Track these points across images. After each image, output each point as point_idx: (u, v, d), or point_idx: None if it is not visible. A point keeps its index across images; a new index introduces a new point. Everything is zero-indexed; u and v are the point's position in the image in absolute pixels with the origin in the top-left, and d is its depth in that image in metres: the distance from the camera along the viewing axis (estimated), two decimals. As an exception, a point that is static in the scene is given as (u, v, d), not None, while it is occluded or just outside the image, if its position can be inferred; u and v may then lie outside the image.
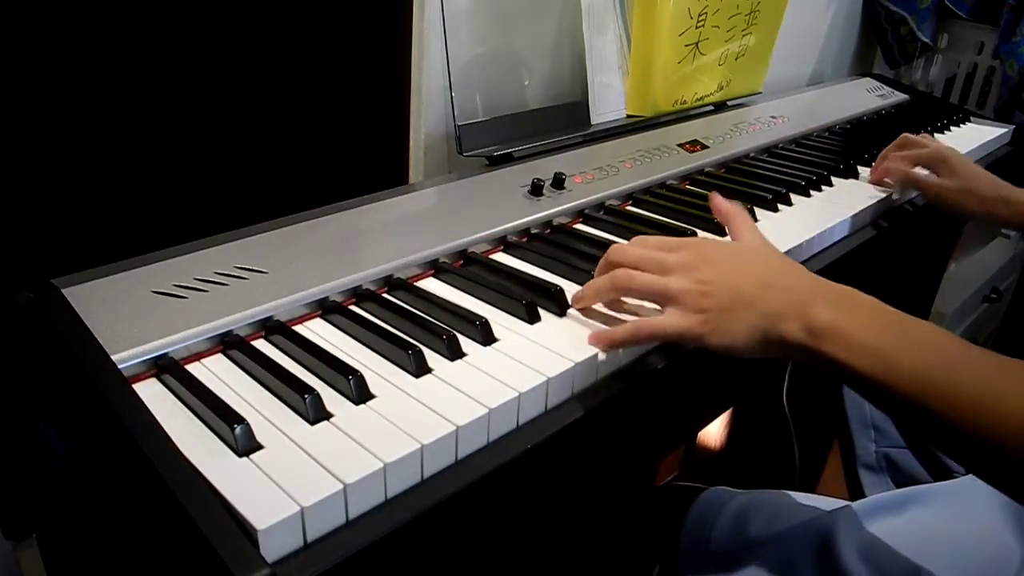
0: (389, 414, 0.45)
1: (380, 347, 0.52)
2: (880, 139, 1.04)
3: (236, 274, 0.57)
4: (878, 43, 1.71)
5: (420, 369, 0.50)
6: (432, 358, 0.51)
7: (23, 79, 0.64)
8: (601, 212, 0.79)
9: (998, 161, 1.24)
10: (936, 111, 1.36)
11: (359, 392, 0.47)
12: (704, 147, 0.98)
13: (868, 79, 1.49)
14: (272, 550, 0.37)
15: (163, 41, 0.71)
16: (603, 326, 0.56)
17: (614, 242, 0.71)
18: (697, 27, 1.00)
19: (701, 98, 1.09)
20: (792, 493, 0.66)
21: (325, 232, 0.65)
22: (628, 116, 1.00)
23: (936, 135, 1.24)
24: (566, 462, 0.53)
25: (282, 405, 0.46)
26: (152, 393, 0.47)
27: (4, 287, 0.56)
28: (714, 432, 1.16)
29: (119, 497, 0.46)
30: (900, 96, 1.44)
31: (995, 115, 1.54)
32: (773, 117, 1.16)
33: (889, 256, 0.97)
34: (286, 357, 0.52)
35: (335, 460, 0.41)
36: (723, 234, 0.75)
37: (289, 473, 0.40)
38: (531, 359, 0.52)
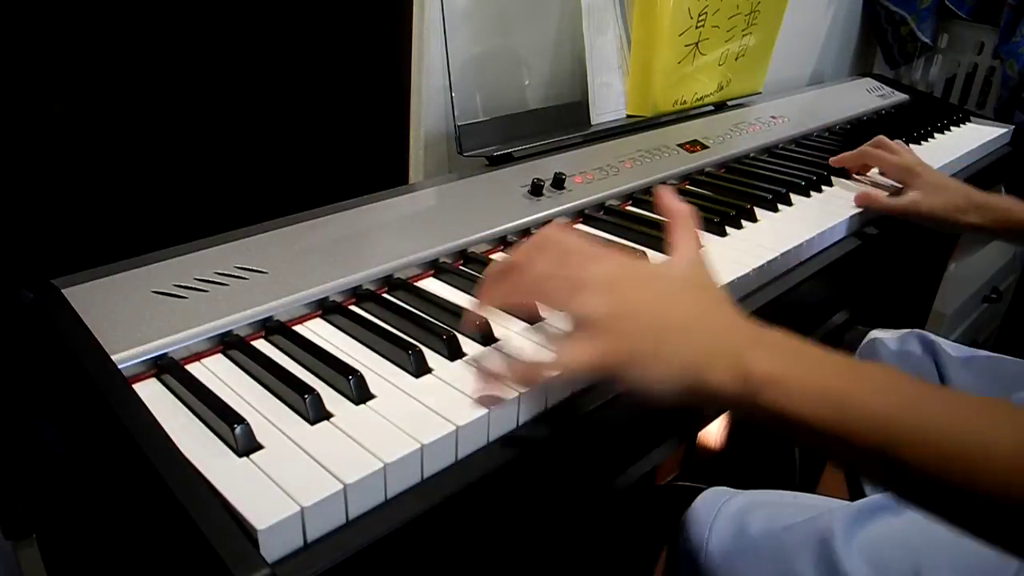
0: (389, 414, 0.45)
1: (380, 347, 0.52)
2: (880, 139, 1.04)
3: (236, 274, 0.57)
4: (878, 43, 1.71)
5: (420, 369, 0.50)
6: (432, 358, 0.51)
7: (23, 79, 0.64)
8: (601, 212, 0.79)
9: (998, 161, 1.24)
10: (936, 111, 1.36)
11: (359, 392, 0.47)
12: (704, 147, 0.98)
13: (868, 79, 1.49)
14: (272, 550, 0.37)
15: (163, 41, 0.71)
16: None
17: (614, 242, 0.72)
18: (697, 27, 1.00)
19: (701, 98, 1.09)
20: (792, 493, 0.66)
21: (325, 232, 0.65)
22: (628, 116, 1.00)
23: (936, 135, 1.24)
24: (566, 462, 0.53)
25: (282, 405, 0.46)
26: (152, 393, 0.47)
27: (4, 287, 0.56)
28: (714, 432, 1.16)
29: (119, 497, 0.46)
30: (900, 96, 1.44)
31: (995, 115, 1.54)
32: (773, 117, 1.16)
33: (889, 256, 0.97)
34: (286, 357, 0.52)
35: (335, 460, 0.41)
36: (722, 231, 0.75)
37: (289, 473, 0.40)
38: (531, 358, 0.52)
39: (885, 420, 0.38)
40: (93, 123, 0.69)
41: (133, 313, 0.51)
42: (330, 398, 0.46)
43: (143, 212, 0.74)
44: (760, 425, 0.42)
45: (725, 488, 0.66)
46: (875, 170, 0.96)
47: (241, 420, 0.42)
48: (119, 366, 0.47)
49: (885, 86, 1.47)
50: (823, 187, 0.92)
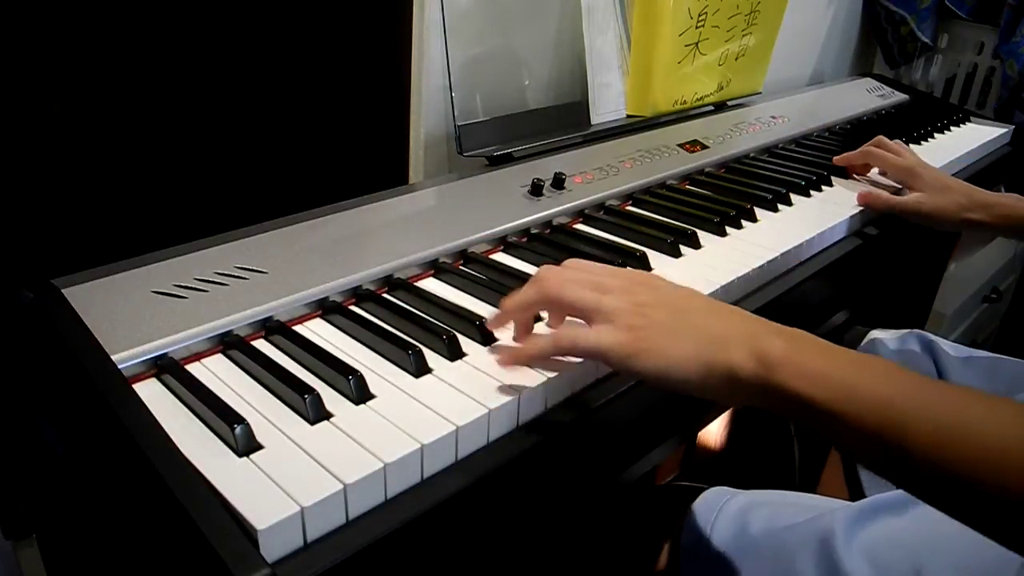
0: (389, 414, 0.45)
1: (380, 347, 0.52)
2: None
3: (236, 274, 0.57)
4: (878, 43, 1.71)
5: (420, 369, 0.50)
6: (432, 358, 0.51)
7: (23, 79, 0.64)
8: (601, 212, 0.79)
9: (998, 161, 1.24)
10: (936, 111, 1.36)
11: (359, 392, 0.47)
12: (704, 147, 0.98)
13: (868, 79, 1.49)
14: (272, 550, 0.37)
15: (163, 41, 0.71)
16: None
17: (614, 242, 0.72)
18: (697, 27, 1.00)
19: (701, 98, 1.09)
20: (792, 493, 0.66)
21: (325, 232, 0.65)
22: (628, 116, 1.00)
23: (936, 135, 1.24)
24: (566, 461, 0.53)
25: (282, 405, 0.46)
26: (152, 393, 0.47)
27: (4, 287, 0.56)
28: (714, 432, 1.16)
29: (119, 497, 0.46)
30: (900, 96, 1.44)
31: (995, 115, 1.54)
32: (773, 117, 1.16)
33: (889, 256, 0.97)
34: (286, 357, 0.52)
35: (335, 460, 0.41)
36: (722, 231, 0.76)
37: (289, 473, 0.40)
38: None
39: (889, 403, 0.40)
40: (93, 123, 0.69)
41: (133, 313, 0.51)
42: (330, 398, 0.46)
43: (143, 212, 0.74)
44: (767, 410, 0.45)
45: (726, 488, 0.66)
46: (875, 170, 0.96)
47: (241, 420, 0.42)
48: (119, 366, 0.47)
49: (885, 86, 1.47)
50: (823, 187, 0.92)
